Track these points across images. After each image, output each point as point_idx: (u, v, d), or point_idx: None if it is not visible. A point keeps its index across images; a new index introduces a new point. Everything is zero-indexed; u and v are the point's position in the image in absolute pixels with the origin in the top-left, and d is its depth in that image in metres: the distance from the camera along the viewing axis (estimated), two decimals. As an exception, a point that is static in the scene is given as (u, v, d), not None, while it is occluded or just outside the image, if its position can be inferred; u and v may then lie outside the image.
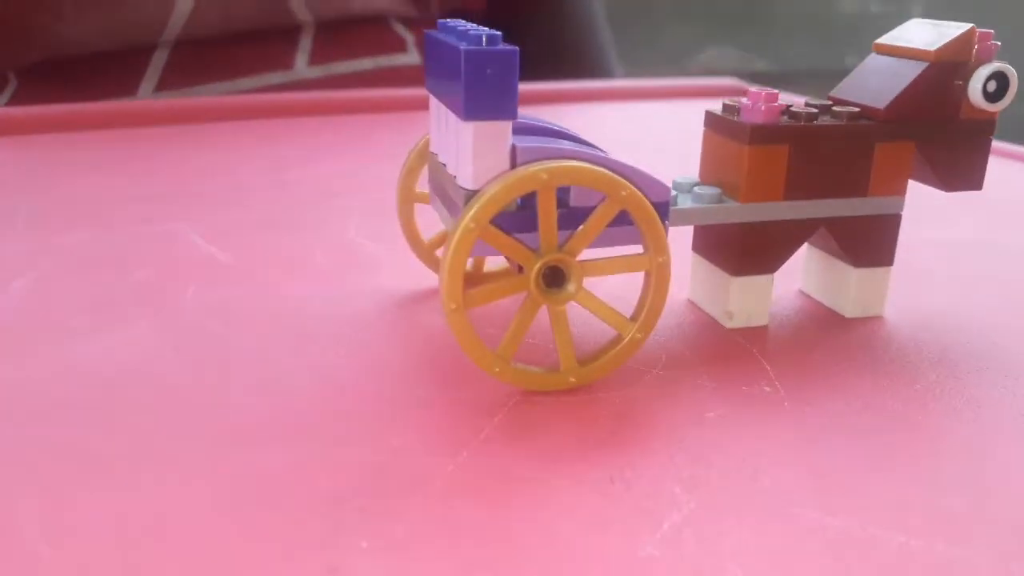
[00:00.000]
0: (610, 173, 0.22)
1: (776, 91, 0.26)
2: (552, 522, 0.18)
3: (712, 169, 0.28)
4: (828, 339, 0.27)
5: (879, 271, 0.28)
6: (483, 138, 0.22)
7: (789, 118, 0.26)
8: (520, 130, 0.25)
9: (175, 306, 0.28)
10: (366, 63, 0.73)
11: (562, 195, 0.23)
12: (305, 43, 0.71)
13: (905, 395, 0.24)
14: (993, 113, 0.27)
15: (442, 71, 0.24)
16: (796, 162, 0.26)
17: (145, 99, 0.64)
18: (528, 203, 0.23)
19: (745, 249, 0.27)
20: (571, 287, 0.23)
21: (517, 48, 0.21)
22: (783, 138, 0.26)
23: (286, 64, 0.70)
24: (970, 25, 0.26)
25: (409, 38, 0.77)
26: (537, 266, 0.22)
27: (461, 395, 0.23)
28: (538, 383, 0.23)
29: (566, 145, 0.23)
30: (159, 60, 0.65)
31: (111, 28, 0.63)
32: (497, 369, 0.22)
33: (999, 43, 0.27)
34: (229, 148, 0.52)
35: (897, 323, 0.28)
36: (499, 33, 0.22)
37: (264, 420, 0.22)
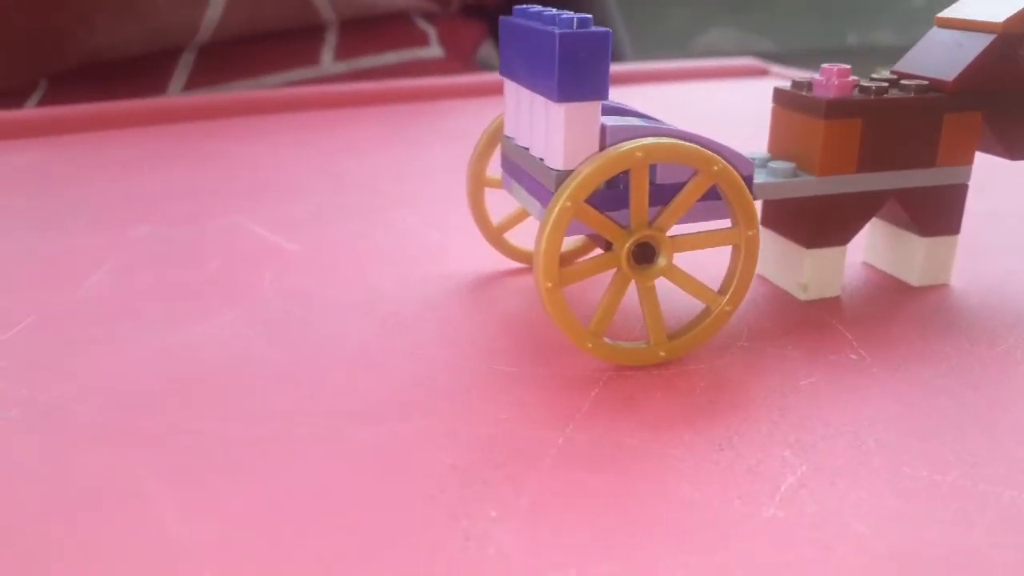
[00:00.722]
0: (702, 148, 0.22)
1: (848, 66, 0.26)
2: (672, 487, 0.18)
3: (784, 144, 0.28)
4: (901, 307, 0.28)
5: (946, 240, 0.29)
6: (575, 119, 0.22)
7: (860, 92, 0.27)
8: None
9: (256, 294, 0.29)
10: (390, 57, 0.73)
11: (649, 172, 0.24)
12: (331, 39, 0.71)
13: (987, 358, 0.24)
14: (1058, 81, 0.28)
15: (526, 56, 0.24)
16: (869, 135, 0.27)
17: (174, 96, 0.65)
18: (612, 182, 0.23)
19: (819, 221, 0.27)
20: (661, 262, 0.23)
21: (610, 30, 0.22)
22: (856, 111, 0.26)
23: (312, 60, 0.70)
24: (1036, -2, 0.27)
25: (431, 32, 0.77)
26: (628, 243, 0.23)
27: (553, 371, 0.24)
28: (629, 358, 0.23)
29: (647, 123, 0.23)
30: (186, 61, 0.66)
31: (142, 36, 0.63)
32: (590, 345, 0.23)
33: (1063, 12, 0.27)
34: (265, 142, 0.52)
35: (965, 291, 0.29)
36: (589, 16, 0.22)
37: (369, 399, 0.22)
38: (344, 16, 0.71)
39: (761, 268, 0.30)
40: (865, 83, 0.27)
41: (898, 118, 0.27)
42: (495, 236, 0.30)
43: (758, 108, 0.55)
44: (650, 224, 0.23)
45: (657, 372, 0.24)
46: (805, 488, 0.18)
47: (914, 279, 0.29)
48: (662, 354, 0.24)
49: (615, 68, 0.76)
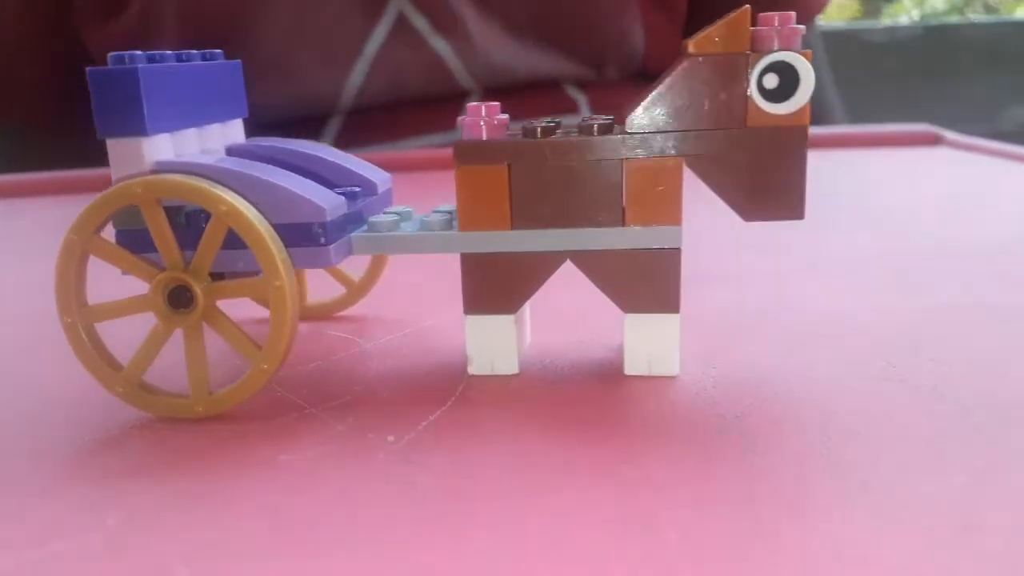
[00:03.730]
0: (207, 187, 0.21)
1: (497, 104, 0.23)
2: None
3: (463, 194, 0.24)
4: (568, 397, 0.22)
5: (659, 319, 0.23)
6: (118, 154, 0.22)
7: (524, 135, 0.23)
8: (251, 154, 0.25)
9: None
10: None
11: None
12: None
13: (530, 474, 0.19)
14: (794, 118, 0.21)
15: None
16: (521, 184, 0.22)
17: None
18: (190, 220, 0.22)
19: (472, 284, 0.23)
20: (198, 308, 0.22)
21: (136, 68, 0.21)
22: (498, 156, 0.22)
23: (450, 125, 0.73)
24: (744, 7, 0.21)
25: (582, 99, 0.76)
26: (154, 283, 0.22)
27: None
28: (162, 408, 0.22)
29: (232, 165, 0.22)
30: (334, 125, 0.72)
31: (293, 99, 0.71)
32: (120, 390, 0.22)
33: (801, 27, 0.21)
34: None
35: (691, 386, 0.22)
36: (194, 53, 0.23)
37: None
38: (485, 84, 0.73)
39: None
40: (532, 124, 0.23)
41: (560, 164, 0.22)
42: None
43: (916, 177, 0.48)
44: (188, 267, 0.22)
45: (188, 426, 0.22)
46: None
47: (625, 364, 0.23)
48: (199, 409, 0.22)
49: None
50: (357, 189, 0.25)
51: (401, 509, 0.17)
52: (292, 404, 0.23)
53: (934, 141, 0.63)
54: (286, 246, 0.22)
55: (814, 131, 0.67)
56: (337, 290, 0.30)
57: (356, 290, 0.29)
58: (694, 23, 0.81)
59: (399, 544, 0.16)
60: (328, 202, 0.22)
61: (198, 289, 0.21)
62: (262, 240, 0.21)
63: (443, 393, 0.23)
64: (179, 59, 0.24)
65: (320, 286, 0.30)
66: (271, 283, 0.21)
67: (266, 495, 0.18)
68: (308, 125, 0.72)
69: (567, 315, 0.27)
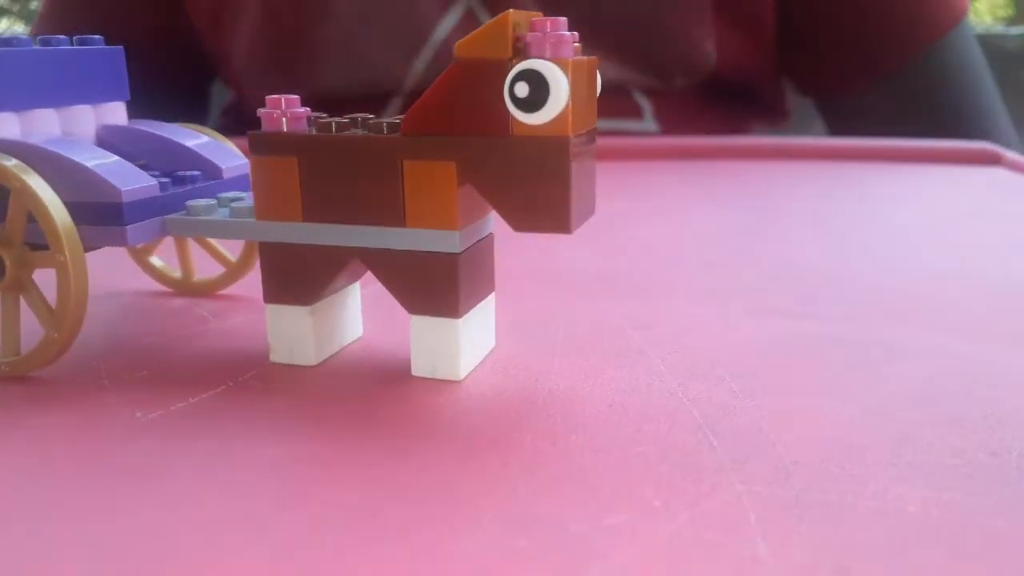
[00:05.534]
0: (3, 164, 0.22)
1: (297, 96, 0.23)
2: None
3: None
4: (339, 394, 0.22)
5: (440, 322, 0.23)
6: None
7: (317, 130, 0.23)
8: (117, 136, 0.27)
9: None
10: None
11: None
12: None
13: (212, 466, 0.19)
14: (553, 128, 0.20)
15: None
16: (309, 177, 0.23)
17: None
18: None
19: (269, 273, 0.24)
20: (8, 276, 0.23)
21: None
22: (287, 148, 0.23)
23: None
24: (508, 10, 0.20)
25: (647, 106, 0.75)
26: (-30, 251, 0.23)
27: None
28: (-25, 367, 0.24)
29: (47, 144, 0.24)
30: (394, 105, 0.74)
31: (358, 79, 0.73)
32: (-56, 345, 0.24)
33: (570, 34, 0.20)
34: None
35: (464, 392, 0.22)
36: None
37: None
38: None
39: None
40: (327, 119, 0.23)
41: (342, 161, 0.22)
42: (140, 257, 0.32)
43: (942, 198, 0.46)
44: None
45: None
46: None
47: (412, 366, 0.23)
48: (5, 369, 0.24)
49: (826, 143, 0.65)
50: (196, 173, 0.26)
51: (79, 485, 0.18)
52: (96, 374, 0.24)
53: (991, 161, 0.58)
54: (86, 224, 0.23)
55: (853, 142, 0.63)
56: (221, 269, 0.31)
57: (234, 269, 0.31)
58: (787, 38, 0.77)
59: (53, 518, 0.17)
60: (129, 184, 0.23)
61: (7, 259, 0.23)
62: (47, 215, 0.22)
63: (229, 376, 0.24)
64: (46, 44, 0.26)
65: (211, 265, 0.31)
66: (55, 257, 0.22)
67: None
68: (370, 102, 0.74)
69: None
